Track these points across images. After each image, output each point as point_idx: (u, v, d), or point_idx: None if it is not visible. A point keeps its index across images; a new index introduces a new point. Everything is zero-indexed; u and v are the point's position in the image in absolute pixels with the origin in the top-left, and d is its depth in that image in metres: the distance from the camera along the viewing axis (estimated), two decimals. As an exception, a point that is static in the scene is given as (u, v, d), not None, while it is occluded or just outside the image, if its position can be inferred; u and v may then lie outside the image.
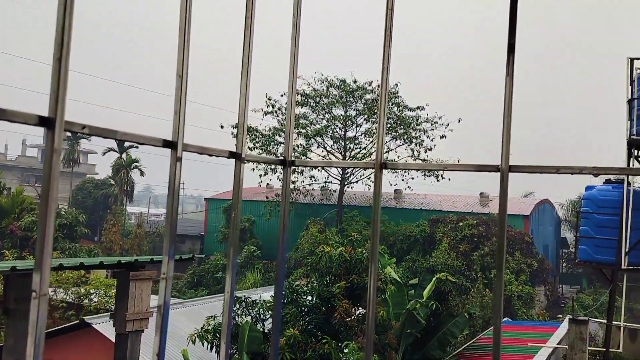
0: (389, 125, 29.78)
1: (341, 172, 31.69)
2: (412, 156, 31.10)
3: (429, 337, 14.33)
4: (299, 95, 29.47)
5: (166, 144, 0.91)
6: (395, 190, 33.87)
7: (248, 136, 27.35)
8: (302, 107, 30.18)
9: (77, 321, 12.26)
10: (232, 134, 29.48)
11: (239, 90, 1.11)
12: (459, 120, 30.65)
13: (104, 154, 39.89)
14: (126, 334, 6.76)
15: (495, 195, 35.19)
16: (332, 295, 11.81)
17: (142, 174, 38.54)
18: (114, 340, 7.62)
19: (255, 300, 11.78)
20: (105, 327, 11.73)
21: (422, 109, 30.25)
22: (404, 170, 30.69)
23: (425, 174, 31.08)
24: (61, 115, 0.69)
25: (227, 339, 1.15)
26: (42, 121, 0.68)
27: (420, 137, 30.65)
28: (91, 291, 17.94)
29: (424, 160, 31.17)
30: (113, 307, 10.74)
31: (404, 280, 15.36)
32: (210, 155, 1.10)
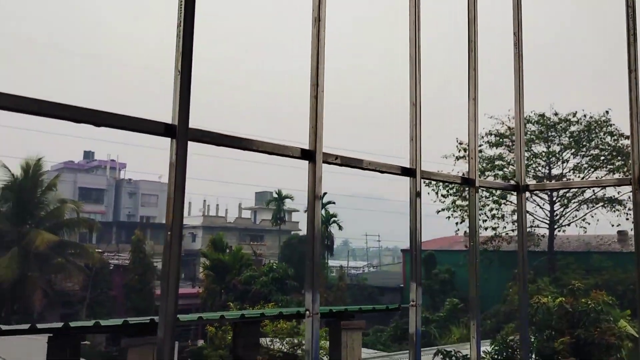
0: (602, 158, 26.49)
1: (549, 215, 28.93)
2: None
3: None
4: (493, 136, 28.20)
5: (404, 171, 0.91)
6: (619, 232, 29.54)
7: (441, 184, 26.80)
8: (496, 148, 28.70)
9: (294, 370, 13.03)
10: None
11: (467, 112, 1.08)
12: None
13: (305, 211, 43.02)
14: (341, 383, 6.92)
15: None
16: (555, 351, 10.56)
17: (340, 227, 40.45)
18: (329, 389, 7.85)
19: (466, 355, 11.11)
20: (319, 376, 12.21)
21: (642, 135, 26.32)
22: (627, 209, 26.72)
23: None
24: (320, 148, 0.74)
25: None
26: (304, 154, 0.74)
27: (644, 167, 26.54)
28: (302, 341, 19.06)
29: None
30: (325, 358, 11.16)
31: (643, 337, 13.11)
32: (444, 182, 1.08)
